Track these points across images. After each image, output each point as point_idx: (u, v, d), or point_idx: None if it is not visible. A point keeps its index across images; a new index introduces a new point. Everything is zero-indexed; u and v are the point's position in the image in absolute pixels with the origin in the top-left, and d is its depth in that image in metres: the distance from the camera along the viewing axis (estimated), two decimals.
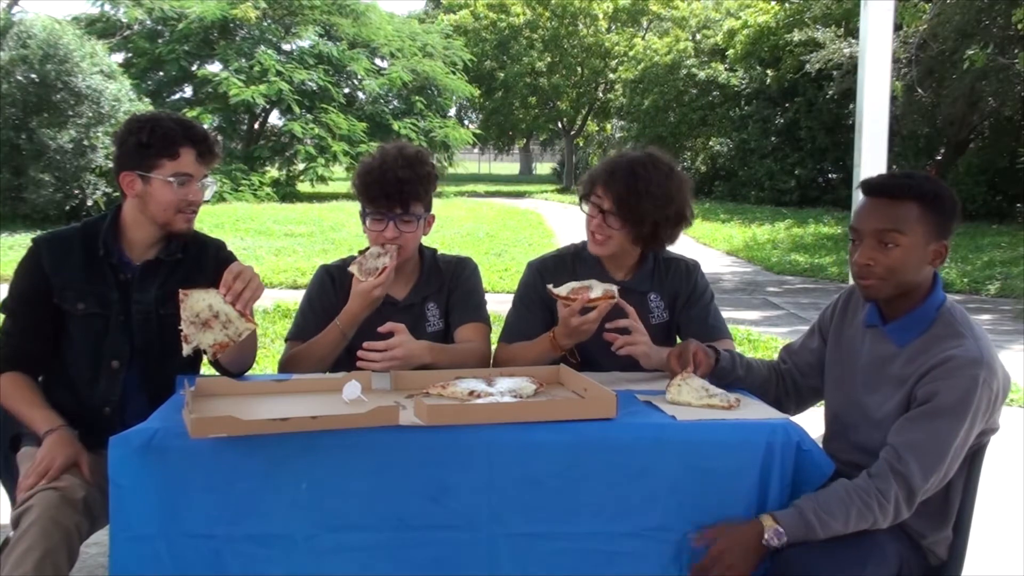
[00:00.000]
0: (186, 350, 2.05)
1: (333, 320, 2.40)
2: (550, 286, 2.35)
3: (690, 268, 2.63)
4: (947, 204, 1.99)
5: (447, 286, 2.61)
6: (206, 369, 2.49)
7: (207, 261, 2.40)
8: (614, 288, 2.32)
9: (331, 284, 2.58)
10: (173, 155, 2.27)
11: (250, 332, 2.11)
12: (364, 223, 2.51)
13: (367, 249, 2.49)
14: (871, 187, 2.04)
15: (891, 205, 1.98)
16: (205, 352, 2.12)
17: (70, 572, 1.97)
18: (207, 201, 2.40)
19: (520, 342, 2.51)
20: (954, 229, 2.02)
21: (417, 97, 25.47)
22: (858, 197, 2.10)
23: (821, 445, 2.17)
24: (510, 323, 2.60)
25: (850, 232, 2.07)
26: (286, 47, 24.75)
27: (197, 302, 2.05)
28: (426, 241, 2.63)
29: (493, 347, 2.61)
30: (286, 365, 2.47)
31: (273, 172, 24.47)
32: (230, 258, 2.40)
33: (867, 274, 2.00)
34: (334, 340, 2.41)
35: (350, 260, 2.63)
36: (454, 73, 26.76)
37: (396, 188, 2.42)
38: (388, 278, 2.36)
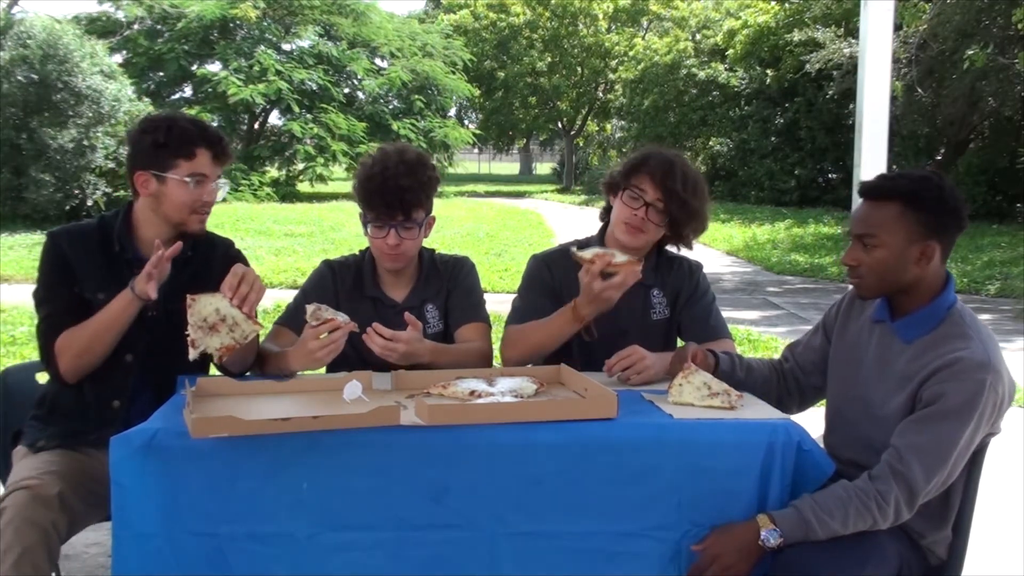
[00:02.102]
0: (192, 355, 2.05)
1: (288, 352, 2.27)
2: (574, 249, 2.32)
3: (693, 268, 2.64)
4: (931, 203, 1.98)
5: (445, 287, 2.60)
6: (211, 369, 2.49)
7: (216, 260, 2.41)
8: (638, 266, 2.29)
9: (331, 279, 2.57)
10: (189, 155, 2.28)
11: (255, 333, 2.11)
12: (365, 228, 2.51)
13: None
14: (860, 189, 2.08)
15: (873, 207, 2.02)
16: (211, 356, 2.12)
17: (52, 571, 1.98)
18: (220, 202, 2.42)
19: (532, 320, 2.48)
20: (950, 226, 2.00)
21: (417, 97, 25.46)
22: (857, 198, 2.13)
23: (821, 442, 2.18)
24: (517, 307, 2.58)
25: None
26: (286, 47, 24.76)
27: (204, 307, 2.04)
28: (426, 241, 2.62)
29: (494, 346, 2.61)
30: (259, 351, 2.39)
31: (273, 172, 24.47)
32: (238, 257, 2.42)
33: (853, 274, 2.06)
34: (282, 368, 2.30)
35: (351, 258, 2.63)
36: (454, 73, 26.76)
37: (397, 196, 2.40)
38: (336, 346, 2.17)
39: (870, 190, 2.04)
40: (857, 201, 2.13)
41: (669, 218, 2.46)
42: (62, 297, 2.30)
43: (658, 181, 2.44)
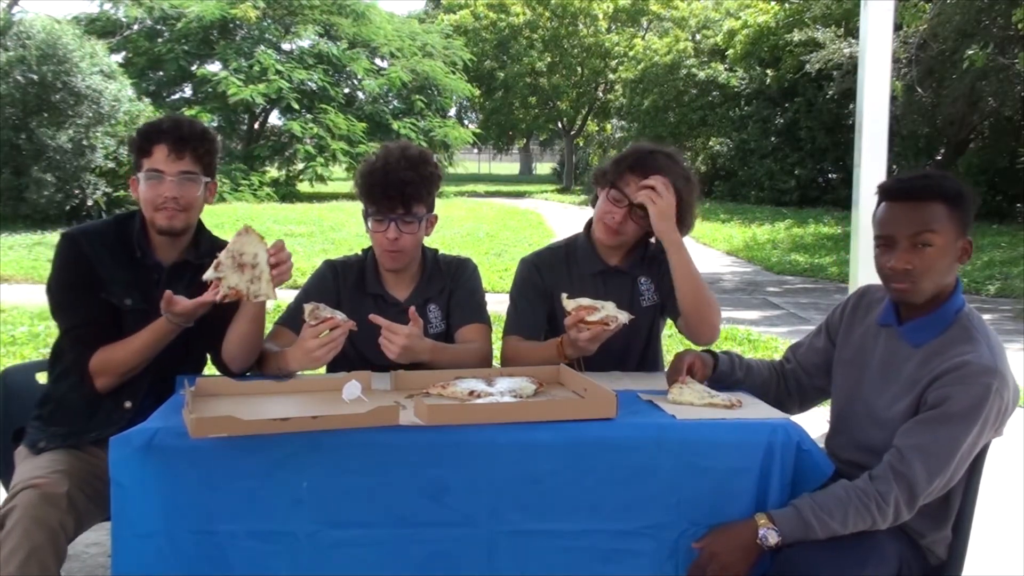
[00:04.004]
0: (209, 274, 2.07)
1: (287, 352, 2.26)
2: (564, 295, 2.33)
3: None
4: (968, 200, 1.99)
5: (448, 287, 2.60)
6: (210, 371, 2.49)
7: None
8: (623, 319, 2.27)
9: (332, 279, 2.57)
10: (147, 152, 2.30)
11: (267, 299, 2.13)
12: (366, 223, 2.51)
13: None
14: (895, 192, 2.01)
15: (920, 207, 1.96)
16: (219, 289, 2.08)
17: (59, 571, 1.98)
18: (215, 201, 2.42)
19: (530, 340, 2.51)
20: (972, 224, 2.01)
21: (417, 97, 25.47)
22: (858, 198, 2.11)
23: (822, 444, 2.18)
24: (511, 317, 2.59)
25: (878, 240, 2.03)
26: (286, 47, 24.76)
27: (249, 244, 2.08)
28: (426, 240, 2.62)
29: (495, 346, 2.61)
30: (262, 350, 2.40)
31: (273, 172, 24.47)
32: None
33: (903, 278, 1.97)
34: (282, 368, 2.28)
35: (354, 258, 2.63)
36: (454, 73, 26.77)
37: (398, 189, 2.41)
38: (335, 345, 2.17)
39: (910, 191, 1.99)
40: (866, 202, 2.10)
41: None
42: (88, 305, 2.28)
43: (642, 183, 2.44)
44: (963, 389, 1.89)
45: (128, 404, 2.32)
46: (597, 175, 2.60)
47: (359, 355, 2.43)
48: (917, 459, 1.88)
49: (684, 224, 2.52)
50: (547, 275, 2.57)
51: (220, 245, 2.44)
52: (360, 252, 2.65)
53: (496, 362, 2.62)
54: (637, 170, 2.46)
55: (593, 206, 2.64)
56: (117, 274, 2.31)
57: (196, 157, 2.32)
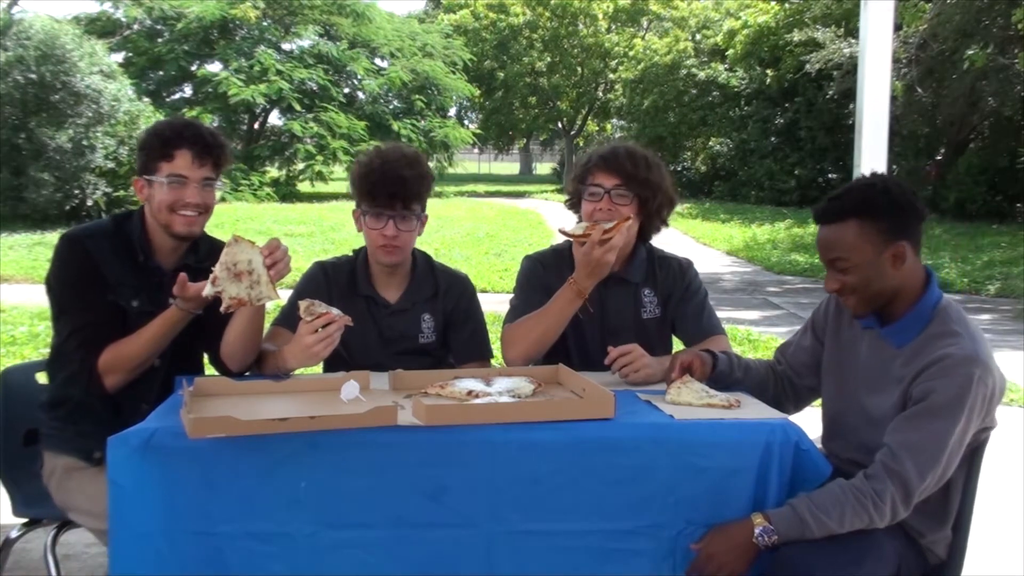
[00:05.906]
0: (208, 290, 2.07)
1: (285, 350, 2.24)
2: (562, 226, 2.33)
3: (683, 267, 2.64)
4: (886, 207, 1.98)
5: (443, 301, 2.58)
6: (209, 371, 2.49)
7: None
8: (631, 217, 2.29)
9: (324, 279, 2.56)
10: (168, 157, 2.29)
11: (270, 300, 2.13)
12: (360, 222, 2.49)
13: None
14: (814, 215, 2.08)
15: (832, 230, 2.02)
16: (222, 301, 2.09)
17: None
18: (219, 202, 2.42)
19: (529, 313, 2.47)
20: (911, 222, 2.00)
21: (417, 96, 25.47)
22: None
23: (819, 445, 2.18)
24: (516, 306, 2.57)
25: None
26: (286, 47, 24.78)
27: (240, 252, 2.08)
28: (427, 239, 2.61)
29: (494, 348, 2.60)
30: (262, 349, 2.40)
31: (273, 172, 24.46)
32: None
33: (841, 295, 2.05)
34: (280, 367, 2.27)
35: (344, 259, 2.63)
36: (454, 73, 26.77)
37: (399, 186, 2.41)
38: (332, 340, 2.16)
39: (822, 214, 2.04)
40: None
41: (637, 194, 2.46)
42: (97, 305, 2.27)
43: (607, 168, 2.46)
44: (946, 381, 1.89)
45: (144, 407, 2.29)
46: (571, 202, 2.63)
47: (350, 356, 2.43)
48: (908, 456, 1.89)
49: (661, 204, 2.52)
50: (550, 271, 2.57)
51: (218, 247, 2.43)
52: (351, 253, 2.65)
53: (496, 358, 2.62)
54: (600, 164, 2.49)
55: (576, 209, 2.63)
56: (124, 276, 2.31)
57: (216, 165, 2.35)
